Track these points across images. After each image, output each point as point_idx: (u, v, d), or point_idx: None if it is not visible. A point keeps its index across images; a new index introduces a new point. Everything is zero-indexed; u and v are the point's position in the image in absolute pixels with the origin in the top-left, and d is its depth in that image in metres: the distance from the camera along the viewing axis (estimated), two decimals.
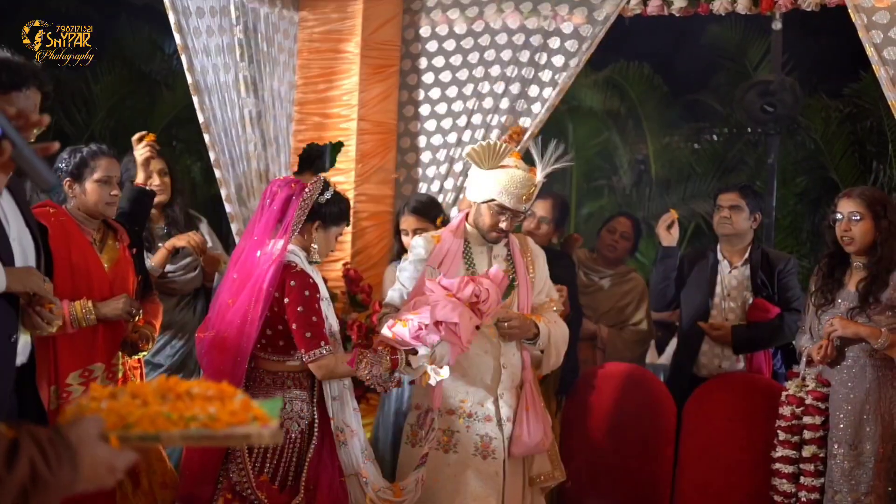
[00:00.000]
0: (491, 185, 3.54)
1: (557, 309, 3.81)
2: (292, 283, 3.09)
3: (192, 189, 7.47)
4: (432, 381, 3.29)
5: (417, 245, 3.70)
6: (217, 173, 4.55)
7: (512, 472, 3.60)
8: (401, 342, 3.24)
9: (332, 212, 3.23)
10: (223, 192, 4.56)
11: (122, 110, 8.34)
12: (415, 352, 3.24)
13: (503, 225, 3.58)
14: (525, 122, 4.81)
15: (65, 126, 7.83)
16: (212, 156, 4.53)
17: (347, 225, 3.39)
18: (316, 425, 3.19)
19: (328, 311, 3.23)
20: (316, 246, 3.23)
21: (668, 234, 4.52)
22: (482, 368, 3.58)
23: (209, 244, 4.12)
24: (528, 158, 3.66)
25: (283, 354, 3.17)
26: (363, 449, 3.25)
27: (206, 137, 4.49)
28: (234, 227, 4.60)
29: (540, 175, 3.58)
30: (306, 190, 3.17)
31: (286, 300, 3.08)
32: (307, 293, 3.09)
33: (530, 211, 4.38)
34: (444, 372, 3.27)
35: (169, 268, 3.98)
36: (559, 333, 3.69)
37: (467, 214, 3.72)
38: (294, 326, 3.08)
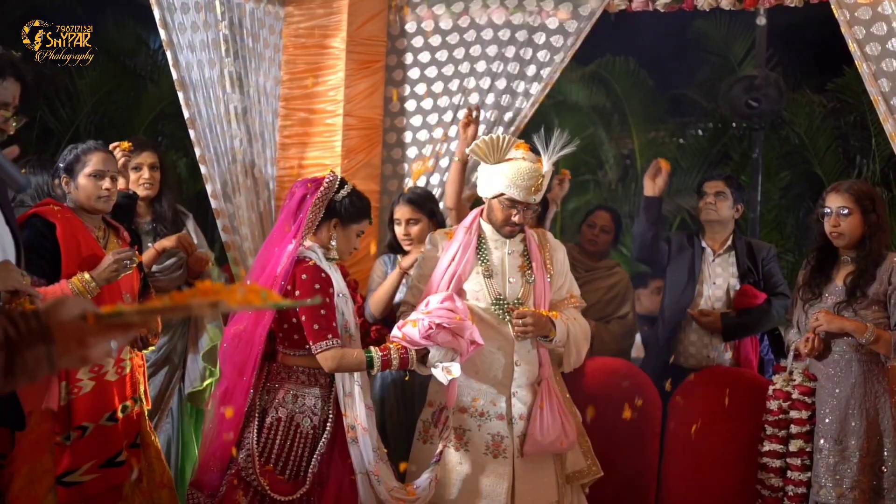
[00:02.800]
0: (498, 180, 3.54)
1: (579, 305, 3.79)
2: (304, 276, 3.18)
3: (177, 185, 7.44)
4: (443, 380, 3.31)
5: (430, 242, 3.72)
6: (202, 169, 4.55)
7: (528, 471, 3.58)
8: (411, 342, 3.27)
9: (349, 210, 3.32)
10: (209, 188, 4.56)
11: (107, 105, 8.28)
12: (426, 351, 3.27)
13: (515, 219, 3.58)
14: (509, 116, 4.82)
15: (49, 122, 7.79)
16: (197, 152, 4.52)
17: (370, 223, 3.46)
18: (330, 422, 3.25)
19: (345, 307, 3.30)
20: (334, 243, 3.32)
21: (653, 184, 4.55)
22: (494, 366, 3.57)
23: (195, 241, 4.12)
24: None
25: (297, 348, 3.27)
26: (375, 448, 3.28)
27: (192, 133, 4.49)
28: (219, 223, 4.59)
29: (546, 165, 3.57)
30: (321, 189, 3.27)
31: (297, 293, 3.16)
32: (318, 286, 3.17)
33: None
34: (455, 371, 3.29)
35: (155, 267, 3.98)
36: (579, 331, 3.66)
37: (482, 210, 3.72)
38: (304, 318, 3.17)
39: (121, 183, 3.86)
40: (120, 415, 3.30)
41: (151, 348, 3.56)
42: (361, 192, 3.43)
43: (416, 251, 3.93)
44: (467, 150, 3.74)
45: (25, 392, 2.43)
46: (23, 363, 1.45)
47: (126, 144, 3.91)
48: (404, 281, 4.08)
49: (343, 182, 3.36)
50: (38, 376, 1.47)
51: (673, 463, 4.32)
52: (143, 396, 3.49)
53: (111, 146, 3.86)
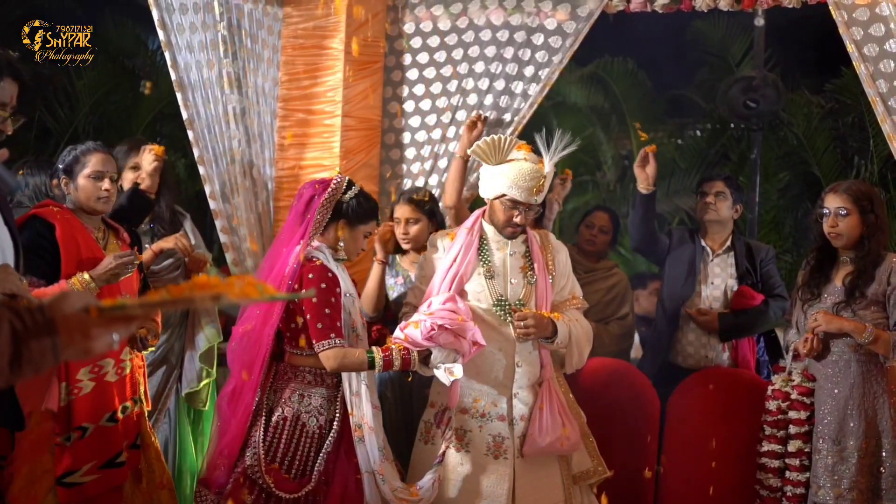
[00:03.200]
0: (500, 181, 3.55)
1: (581, 306, 3.79)
2: (310, 275, 3.21)
3: (176, 185, 7.44)
4: (446, 382, 3.32)
5: (432, 243, 3.73)
6: (201, 170, 4.54)
7: (529, 472, 3.58)
8: (413, 343, 3.28)
9: (356, 211, 3.36)
10: (207, 189, 4.55)
11: (105, 106, 8.28)
12: (429, 352, 3.28)
13: (517, 219, 3.59)
14: (507, 117, 4.83)
15: (48, 122, 7.79)
16: (195, 152, 4.52)
17: (378, 224, 3.51)
18: (336, 422, 3.28)
19: (352, 307, 3.32)
20: (342, 244, 3.36)
21: (644, 174, 4.51)
22: (495, 367, 3.57)
23: (192, 241, 4.12)
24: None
25: (305, 348, 3.28)
26: (381, 448, 3.30)
27: (190, 134, 4.49)
28: (218, 223, 4.59)
29: (548, 165, 3.57)
30: (328, 189, 3.32)
31: (303, 292, 3.18)
32: (323, 286, 3.20)
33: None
34: (458, 372, 3.30)
35: (153, 268, 3.98)
36: (581, 332, 3.66)
37: (483, 212, 3.73)
38: (308, 317, 3.21)
39: (146, 183, 3.92)
40: (120, 415, 3.31)
41: (151, 349, 3.56)
42: (369, 194, 3.47)
43: (378, 235, 3.94)
44: (469, 151, 3.75)
45: (25, 392, 2.43)
46: (29, 355, 1.48)
47: (160, 149, 3.95)
48: (402, 281, 4.09)
49: (351, 183, 3.40)
50: (44, 368, 1.50)
51: (671, 463, 4.32)
52: (143, 397, 3.51)
53: (146, 149, 3.90)
